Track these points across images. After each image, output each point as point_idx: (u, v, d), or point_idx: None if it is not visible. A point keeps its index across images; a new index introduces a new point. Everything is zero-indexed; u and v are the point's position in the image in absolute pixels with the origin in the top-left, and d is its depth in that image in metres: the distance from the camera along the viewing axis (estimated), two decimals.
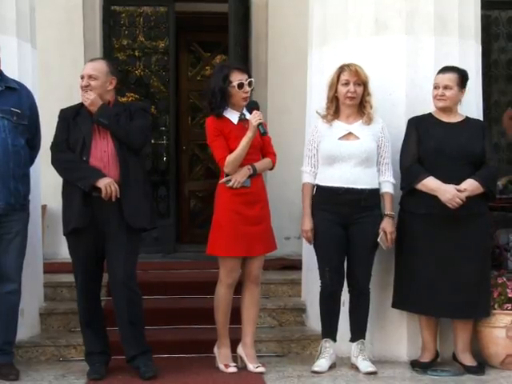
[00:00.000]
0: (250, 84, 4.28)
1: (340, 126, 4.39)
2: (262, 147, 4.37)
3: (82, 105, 4.28)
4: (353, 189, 4.28)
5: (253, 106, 4.27)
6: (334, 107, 4.40)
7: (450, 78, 4.36)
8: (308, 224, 4.37)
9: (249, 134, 4.19)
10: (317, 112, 4.51)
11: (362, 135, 4.35)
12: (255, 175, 4.26)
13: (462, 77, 4.41)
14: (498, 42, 7.57)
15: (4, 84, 4.25)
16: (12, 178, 4.17)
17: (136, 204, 4.16)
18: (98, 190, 4.08)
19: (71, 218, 4.16)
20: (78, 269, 4.24)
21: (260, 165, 4.30)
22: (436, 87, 4.39)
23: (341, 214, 4.30)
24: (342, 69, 4.37)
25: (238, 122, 4.29)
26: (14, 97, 4.25)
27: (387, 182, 4.38)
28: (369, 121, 4.37)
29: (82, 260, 4.21)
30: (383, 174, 4.39)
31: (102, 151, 4.17)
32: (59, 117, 4.28)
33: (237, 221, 4.22)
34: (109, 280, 4.28)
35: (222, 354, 4.37)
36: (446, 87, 4.36)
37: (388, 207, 4.36)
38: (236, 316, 4.41)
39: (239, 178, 4.22)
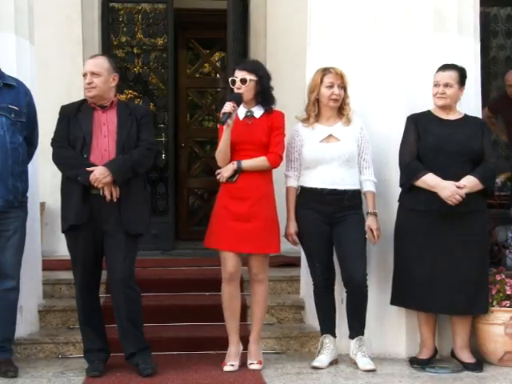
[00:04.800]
0: (242, 81, 4.28)
1: (320, 129, 4.42)
2: (268, 145, 4.33)
3: (83, 101, 4.28)
4: (336, 190, 4.33)
5: (230, 99, 4.27)
6: (317, 110, 4.42)
7: (450, 76, 4.36)
8: (292, 227, 4.41)
9: (224, 127, 4.21)
10: (296, 117, 4.51)
11: (342, 137, 4.39)
12: (241, 171, 4.26)
13: (462, 74, 4.41)
14: (497, 39, 7.59)
15: (1, 81, 4.24)
16: (10, 176, 4.17)
17: (135, 210, 4.17)
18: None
19: (69, 214, 4.15)
20: (77, 266, 4.24)
21: (249, 162, 4.27)
22: (436, 85, 4.38)
23: (325, 212, 4.34)
24: (325, 71, 4.40)
25: (243, 118, 4.32)
26: (11, 94, 4.24)
27: (368, 180, 4.43)
28: (348, 122, 4.41)
29: (81, 257, 4.20)
30: (364, 173, 4.43)
31: (103, 150, 4.16)
32: (60, 113, 4.27)
33: (223, 215, 4.27)
34: (107, 277, 4.28)
35: (228, 351, 4.37)
36: (446, 85, 4.35)
37: (371, 205, 4.40)
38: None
39: (224, 172, 4.27)
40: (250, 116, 4.32)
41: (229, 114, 4.19)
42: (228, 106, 4.19)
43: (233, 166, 4.26)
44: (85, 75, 4.22)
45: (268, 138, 4.31)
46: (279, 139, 4.34)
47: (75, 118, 4.21)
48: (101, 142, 4.17)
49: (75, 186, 4.12)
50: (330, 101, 4.38)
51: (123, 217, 4.13)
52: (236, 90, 4.30)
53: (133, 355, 4.22)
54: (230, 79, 4.34)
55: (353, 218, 4.35)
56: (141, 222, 4.22)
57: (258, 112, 4.35)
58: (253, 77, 4.30)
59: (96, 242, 4.18)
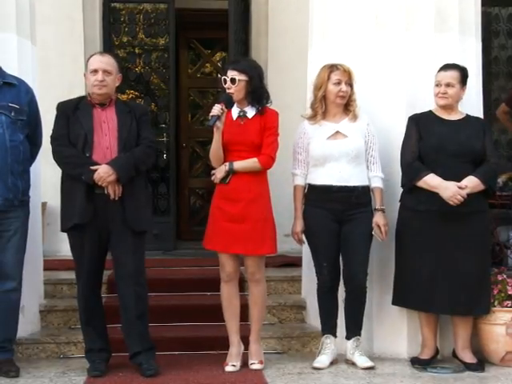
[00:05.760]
0: (232, 81, 4.26)
1: (327, 126, 4.41)
2: (261, 146, 4.32)
3: (80, 99, 4.28)
4: (346, 187, 4.32)
5: (220, 100, 4.27)
6: (324, 107, 4.41)
7: (452, 76, 4.35)
8: (299, 226, 4.40)
9: (214, 129, 4.22)
10: (302, 116, 4.50)
11: (349, 133, 4.38)
12: (233, 172, 4.25)
13: (464, 74, 4.40)
14: (499, 39, 7.58)
15: (2, 79, 4.24)
16: (10, 174, 4.15)
17: (139, 209, 4.17)
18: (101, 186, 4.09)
19: (73, 213, 4.12)
20: (82, 266, 4.21)
21: (241, 163, 4.25)
22: (438, 85, 4.38)
23: (334, 210, 4.32)
24: (332, 68, 4.38)
25: (236, 118, 4.31)
26: (12, 92, 4.24)
27: (376, 176, 4.42)
28: (354, 118, 4.41)
29: (87, 257, 4.17)
30: (372, 170, 4.42)
31: (105, 148, 4.16)
32: (58, 110, 4.24)
33: (217, 216, 4.28)
34: (116, 275, 4.24)
35: (229, 352, 4.37)
36: (448, 85, 4.35)
37: (378, 201, 4.39)
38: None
39: (217, 173, 4.29)
40: (242, 116, 4.31)
41: (217, 117, 4.18)
42: (216, 109, 4.18)
43: (225, 167, 4.26)
44: (94, 72, 4.18)
45: (260, 138, 4.28)
46: (271, 139, 4.30)
47: (74, 115, 4.18)
48: (102, 139, 4.16)
49: (78, 184, 4.10)
50: (337, 97, 4.36)
51: (128, 216, 4.13)
52: (227, 90, 4.29)
53: (137, 354, 4.22)
54: (222, 78, 4.34)
55: (362, 216, 4.33)
56: (145, 220, 4.23)
57: (250, 112, 4.32)
58: (243, 77, 4.26)
59: (101, 241, 4.17)
